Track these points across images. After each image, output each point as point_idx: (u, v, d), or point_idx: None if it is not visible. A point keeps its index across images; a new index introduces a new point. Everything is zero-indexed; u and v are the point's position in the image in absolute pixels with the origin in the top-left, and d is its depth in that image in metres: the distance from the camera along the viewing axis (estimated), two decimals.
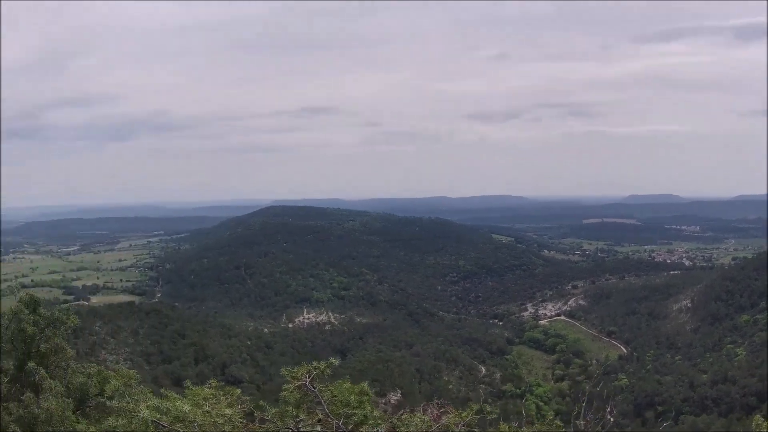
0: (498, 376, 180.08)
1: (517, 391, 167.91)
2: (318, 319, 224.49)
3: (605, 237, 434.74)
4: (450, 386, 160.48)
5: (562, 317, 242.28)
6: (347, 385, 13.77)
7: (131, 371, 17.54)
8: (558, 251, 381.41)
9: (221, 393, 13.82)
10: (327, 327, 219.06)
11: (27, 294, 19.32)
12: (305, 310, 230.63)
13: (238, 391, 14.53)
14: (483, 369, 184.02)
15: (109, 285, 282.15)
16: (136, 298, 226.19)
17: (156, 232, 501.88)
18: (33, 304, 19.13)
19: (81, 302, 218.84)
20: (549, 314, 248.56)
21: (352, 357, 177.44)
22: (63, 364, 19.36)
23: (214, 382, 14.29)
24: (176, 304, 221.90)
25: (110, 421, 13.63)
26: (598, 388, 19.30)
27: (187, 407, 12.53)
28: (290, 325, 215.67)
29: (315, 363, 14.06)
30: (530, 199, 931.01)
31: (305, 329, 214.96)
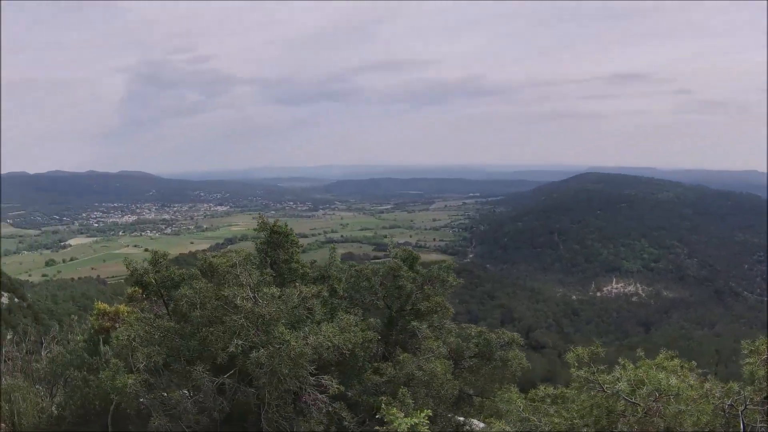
0: None
1: None
2: (626, 290, 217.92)
3: None
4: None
5: None
6: None
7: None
8: None
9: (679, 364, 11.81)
10: (634, 298, 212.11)
11: (404, 249, 18.42)
12: (614, 280, 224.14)
13: (694, 363, 12.40)
14: None
15: (422, 243, 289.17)
16: (448, 258, 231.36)
17: (472, 194, 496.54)
18: (411, 260, 18.24)
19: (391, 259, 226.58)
20: None
21: (655, 331, 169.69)
22: (442, 323, 18.49)
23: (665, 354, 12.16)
24: (488, 265, 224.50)
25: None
26: None
27: (673, 380, 10.60)
28: (598, 294, 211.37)
29: None
30: None
31: (612, 299, 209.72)
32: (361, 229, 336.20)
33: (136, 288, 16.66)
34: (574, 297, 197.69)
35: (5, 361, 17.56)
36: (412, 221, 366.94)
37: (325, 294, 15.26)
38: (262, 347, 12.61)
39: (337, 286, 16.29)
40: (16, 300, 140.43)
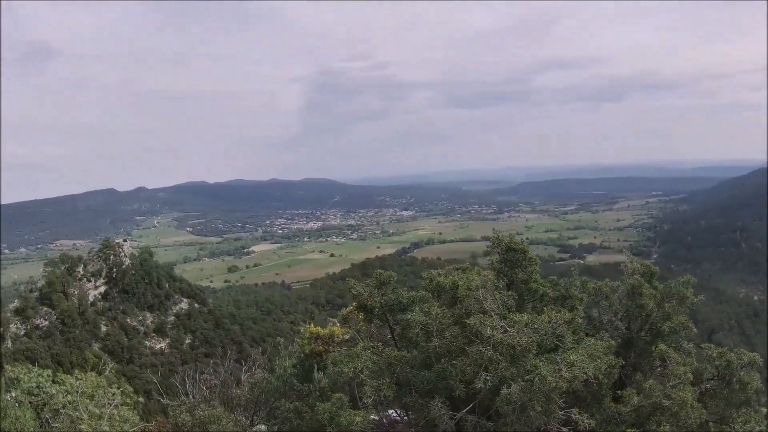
0: None
1: None
2: None
3: None
4: None
5: None
6: None
7: None
8: None
9: None
10: None
11: (643, 264, 16.65)
12: None
13: None
14: None
15: (606, 244, 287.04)
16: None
17: (654, 193, 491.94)
18: (649, 275, 16.57)
19: (576, 260, 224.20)
20: None
21: None
22: (680, 344, 16.75)
23: None
24: (672, 265, 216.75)
25: None
26: None
27: None
28: None
29: None
30: None
31: None
32: (546, 231, 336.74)
33: (352, 309, 15.66)
34: (755, 297, 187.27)
35: (202, 388, 16.98)
36: (596, 222, 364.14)
37: (579, 320, 13.56)
38: (512, 381, 11.12)
39: (579, 307, 14.61)
40: (196, 305, 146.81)
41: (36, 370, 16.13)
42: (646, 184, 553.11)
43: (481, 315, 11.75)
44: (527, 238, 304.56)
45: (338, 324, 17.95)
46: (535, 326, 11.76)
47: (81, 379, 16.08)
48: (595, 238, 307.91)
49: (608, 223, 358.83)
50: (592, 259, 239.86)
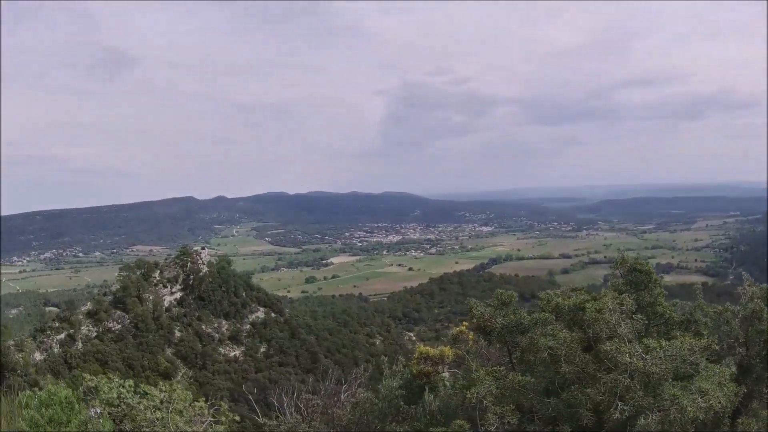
0: None
1: None
2: None
3: None
4: None
5: None
6: None
7: None
8: None
9: None
10: None
11: (761, 288, 15.87)
12: None
13: None
14: None
15: (683, 264, 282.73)
16: (708, 279, 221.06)
17: (732, 213, 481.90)
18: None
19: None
20: None
21: None
22: None
23: None
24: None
25: None
26: None
27: None
28: None
29: None
30: None
31: None
32: (623, 250, 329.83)
33: (463, 329, 15.09)
34: None
35: (300, 406, 16.53)
36: (674, 241, 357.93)
37: (716, 347, 12.84)
38: (649, 411, 10.52)
39: (704, 332, 13.87)
40: (272, 314, 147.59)
41: (116, 379, 15.58)
42: (725, 204, 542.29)
43: (617, 341, 11.14)
44: (604, 257, 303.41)
45: (448, 343, 17.25)
46: (671, 353, 11.14)
47: (166, 391, 15.61)
48: (672, 258, 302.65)
49: (686, 243, 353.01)
50: (669, 279, 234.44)
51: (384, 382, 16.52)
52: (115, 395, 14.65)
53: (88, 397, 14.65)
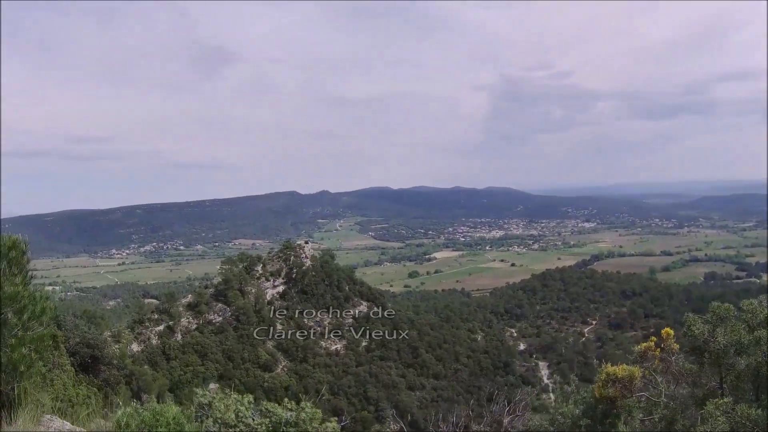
0: None
1: None
2: None
3: None
4: None
5: None
6: None
7: None
8: None
9: None
10: None
11: None
12: None
13: None
14: None
15: None
16: None
17: None
18: None
19: (752, 279, 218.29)
20: None
21: None
22: None
23: None
24: None
25: None
26: None
27: None
28: None
29: None
30: None
31: None
32: (724, 248, 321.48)
33: (651, 346, 12.55)
34: None
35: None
36: None
37: None
38: None
39: None
40: (375, 308, 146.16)
41: (234, 395, 13.28)
42: None
43: None
44: (705, 254, 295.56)
45: (634, 362, 14.51)
46: None
47: (293, 410, 13.30)
48: None
49: None
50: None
51: (566, 409, 13.84)
52: (233, 414, 12.47)
53: (200, 414, 12.58)
